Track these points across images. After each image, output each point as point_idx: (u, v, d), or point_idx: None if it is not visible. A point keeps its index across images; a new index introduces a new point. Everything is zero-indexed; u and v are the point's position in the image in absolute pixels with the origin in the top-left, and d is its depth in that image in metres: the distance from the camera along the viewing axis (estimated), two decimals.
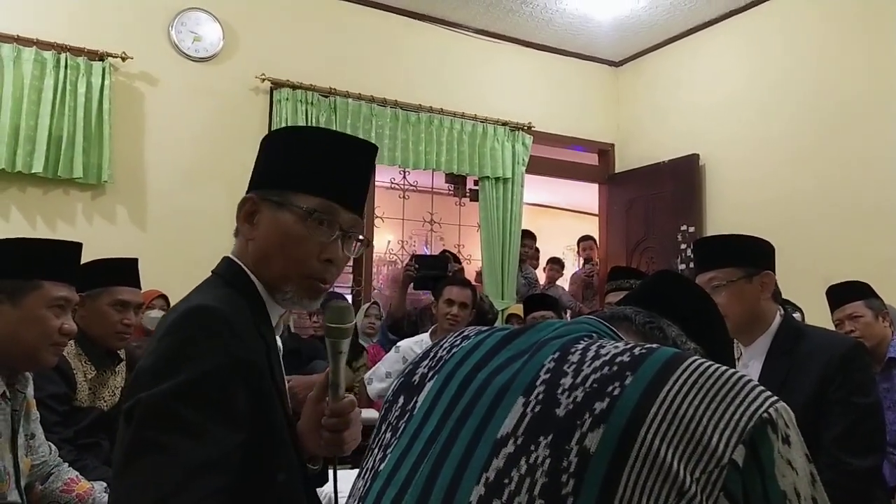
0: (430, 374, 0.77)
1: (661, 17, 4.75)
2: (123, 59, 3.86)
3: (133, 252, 2.48)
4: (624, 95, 5.47)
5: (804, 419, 1.71)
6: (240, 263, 1.11)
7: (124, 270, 2.26)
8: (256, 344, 1.02)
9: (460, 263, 4.17)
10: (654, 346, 0.70)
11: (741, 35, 4.56)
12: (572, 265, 6.99)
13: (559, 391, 0.65)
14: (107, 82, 3.78)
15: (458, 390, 0.72)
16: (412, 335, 3.55)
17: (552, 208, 8.93)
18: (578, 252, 6.10)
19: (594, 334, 0.76)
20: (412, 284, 3.94)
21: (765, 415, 0.62)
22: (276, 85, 4.25)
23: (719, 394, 0.63)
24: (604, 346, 0.69)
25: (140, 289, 2.33)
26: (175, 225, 3.87)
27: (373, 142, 4.54)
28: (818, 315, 3.06)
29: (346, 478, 0.88)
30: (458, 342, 0.80)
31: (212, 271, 1.15)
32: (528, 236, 5.40)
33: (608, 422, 0.61)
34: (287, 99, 4.23)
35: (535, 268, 5.53)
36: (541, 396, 0.66)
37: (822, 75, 4.01)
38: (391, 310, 3.94)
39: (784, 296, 3.53)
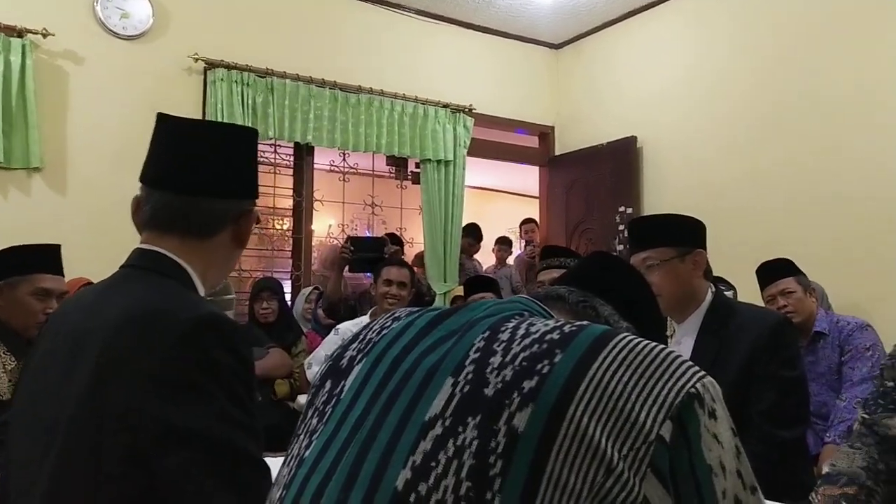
0: (358, 357, 0.75)
1: (601, 0, 4.79)
2: (45, 36, 3.66)
3: (60, 239, 2.37)
4: (564, 78, 5.51)
5: (735, 393, 1.78)
6: (182, 264, 1.11)
7: (46, 257, 2.16)
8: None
9: (400, 245, 4.13)
10: (585, 323, 0.69)
11: (680, 20, 4.63)
12: (516, 248, 7.04)
13: (488, 370, 0.64)
14: (28, 61, 3.58)
15: (386, 373, 0.70)
16: (351, 318, 3.52)
17: (495, 191, 8.98)
18: (521, 235, 6.15)
19: (526, 313, 0.75)
20: (348, 267, 3.89)
21: (692, 390, 0.62)
22: (211, 65, 4.11)
23: (648, 370, 0.63)
24: (534, 325, 0.69)
25: (63, 276, 2.23)
26: (103, 211, 3.72)
27: (311, 123, 4.43)
28: (749, 294, 3.16)
29: (273, 464, 0.89)
30: (388, 323, 0.78)
31: (139, 266, 1.11)
32: (472, 234, 5.45)
33: (537, 400, 0.61)
34: (222, 79, 4.10)
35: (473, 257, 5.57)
36: (470, 376, 0.65)
37: (759, 64, 4.09)
38: (327, 293, 3.88)
39: (717, 274, 3.66)
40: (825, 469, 1.52)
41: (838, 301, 3.42)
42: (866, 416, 1.53)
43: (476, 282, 3.53)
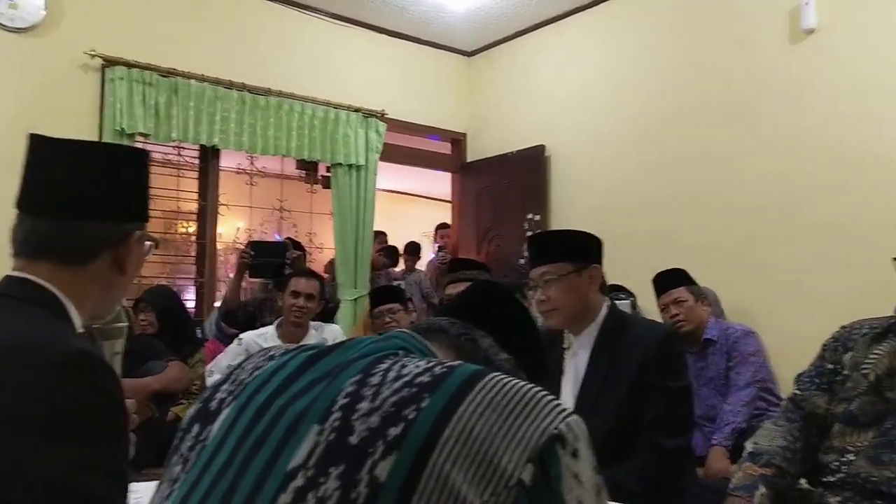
0: (227, 400, 0.73)
1: (512, 10, 4.88)
2: None
3: None
4: (476, 85, 5.58)
5: (628, 402, 1.85)
6: (54, 291, 1.04)
7: None
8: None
9: (302, 250, 4.06)
10: (457, 363, 0.70)
11: (589, 31, 4.77)
12: (430, 251, 7.08)
13: (355, 417, 0.64)
14: None
15: (252, 418, 0.69)
16: (248, 327, 3.45)
17: (409, 195, 8.99)
18: (435, 239, 6.20)
19: (402, 351, 0.75)
20: (248, 272, 3.80)
21: (554, 431, 0.64)
22: (109, 62, 3.93)
23: (514, 412, 0.65)
24: (406, 366, 0.69)
25: None
26: None
27: (217, 125, 4.27)
28: (650, 295, 3.30)
29: (147, 489, 0.89)
30: (261, 363, 0.77)
31: (5, 294, 1.04)
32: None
33: (400, 448, 0.61)
34: (122, 78, 3.93)
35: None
36: (336, 424, 0.64)
37: (661, 75, 4.27)
38: (225, 299, 3.78)
39: (619, 281, 3.80)
40: (749, 446, 1.63)
41: (731, 307, 3.62)
42: (797, 392, 1.67)
43: (382, 292, 3.53)
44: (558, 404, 0.67)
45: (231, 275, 5.56)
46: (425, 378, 0.67)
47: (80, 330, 1.08)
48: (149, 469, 2.70)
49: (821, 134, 3.49)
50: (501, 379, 0.68)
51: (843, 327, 1.70)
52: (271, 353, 0.79)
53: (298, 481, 0.61)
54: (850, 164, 3.35)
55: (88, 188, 1.07)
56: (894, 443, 1.46)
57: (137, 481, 1.91)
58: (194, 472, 0.68)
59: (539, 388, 0.68)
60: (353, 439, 0.63)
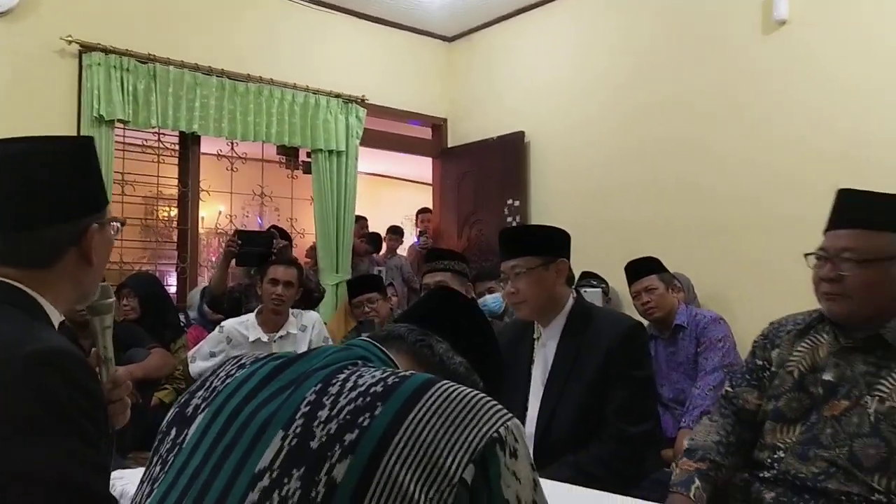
0: (202, 406, 0.79)
1: None
2: None
3: None
4: (457, 71, 5.60)
5: (594, 391, 1.94)
6: (27, 290, 1.07)
7: None
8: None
9: (289, 239, 4.11)
10: (409, 373, 0.77)
11: (569, 18, 4.79)
12: (411, 234, 7.13)
13: (315, 424, 0.71)
14: None
15: (224, 424, 0.75)
16: (234, 313, 3.50)
17: (391, 178, 9.01)
18: (417, 223, 6.25)
19: (361, 360, 0.82)
20: (234, 261, 3.84)
21: (494, 434, 0.71)
22: (86, 48, 3.92)
23: (458, 418, 0.71)
24: (363, 376, 0.75)
25: None
26: None
27: (197, 112, 4.25)
28: (623, 280, 3.38)
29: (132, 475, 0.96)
30: (233, 371, 0.83)
31: None
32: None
33: (355, 452, 0.68)
34: (99, 64, 3.92)
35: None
36: (298, 430, 0.71)
37: (639, 63, 4.32)
38: (211, 286, 3.82)
39: (596, 266, 3.89)
40: (686, 442, 1.72)
41: (704, 293, 3.72)
42: (730, 388, 1.74)
43: (360, 282, 3.58)
44: (499, 409, 0.74)
45: (214, 259, 5.60)
46: (378, 388, 0.73)
47: (59, 321, 1.11)
48: (134, 453, 2.77)
49: (790, 124, 3.58)
50: (448, 387, 0.74)
51: (771, 324, 1.75)
52: (242, 361, 0.85)
53: (265, 482, 0.68)
54: (816, 155, 3.44)
55: (35, 195, 1.07)
56: (818, 437, 1.53)
57: (123, 467, 1.98)
58: (172, 473, 0.74)
59: (482, 395, 0.75)
60: (314, 444, 0.69)
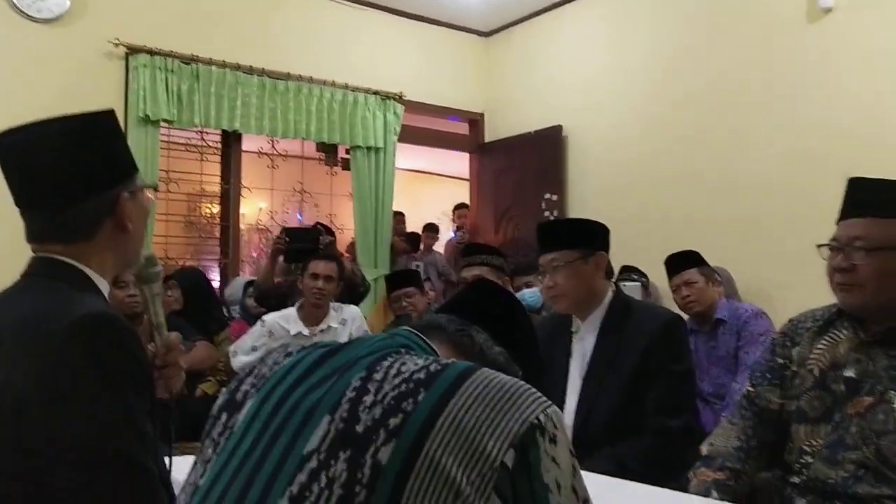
0: (251, 392, 0.83)
1: None
2: None
3: None
4: (493, 66, 5.60)
5: (632, 384, 1.93)
6: (75, 264, 1.13)
7: None
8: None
9: (333, 235, 4.17)
10: (450, 361, 0.79)
11: (606, 11, 4.75)
12: (447, 230, 7.16)
13: (361, 409, 0.74)
14: None
15: (273, 409, 0.79)
16: (280, 307, 3.57)
17: (428, 174, 9.04)
18: (453, 219, 6.28)
19: (404, 349, 0.84)
20: (282, 257, 3.92)
21: (534, 420, 0.73)
22: (133, 50, 4.03)
23: (498, 404, 0.73)
24: (405, 364, 0.78)
25: None
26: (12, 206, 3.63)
27: (239, 110, 4.35)
28: (665, 278, 3.35)
29: (181, 463, 1.00)
30: (280, 359, 0.86)
31: (34, 274, 1.13)
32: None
33: (399, 436, 0.70)
34: (145, 65, 4.03)
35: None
36: (345, 414, 0.74)
37: (678, 55, 4.26)
38: (258, 281, 3.91)
39: (634, 261, 3.86)
40: (704, 448, 1.67)
41: (744, 286, 3.67)
42: (751, 388, 1.68)
43: (398, 276, 3.62)
44: (539, 396, 0.76)
45: (255, 255, 5.71)
46: (421, 375, 0.76)
47: (107, 290, 1.17)
48: (180, 443, 2.85)
49: (834, 114, 3.49)
50: (489, 375, 0.76)
51: (790, 321, 1.71)
52: (289, 349, 0.88)
53: (313, 463, 0.71)
54: (861, 146, 3.36)
55: (67, 171, 1.12)
56: (845, 438, 1.48)
57: (170, 455, 2.05)
58: (224, 455, 0.78)
59: (522, 383, 0.77)
60: (359, 428, 0.72)
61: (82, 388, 0.96)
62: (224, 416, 0.83)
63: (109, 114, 1.21)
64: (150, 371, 1.08)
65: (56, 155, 1.12)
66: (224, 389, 0.88)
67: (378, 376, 0.77)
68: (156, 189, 1.31)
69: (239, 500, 0.73)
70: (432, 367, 0.77)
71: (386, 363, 0.79)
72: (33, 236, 1.15)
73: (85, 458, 0.95)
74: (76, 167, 1.13)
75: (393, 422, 0.71)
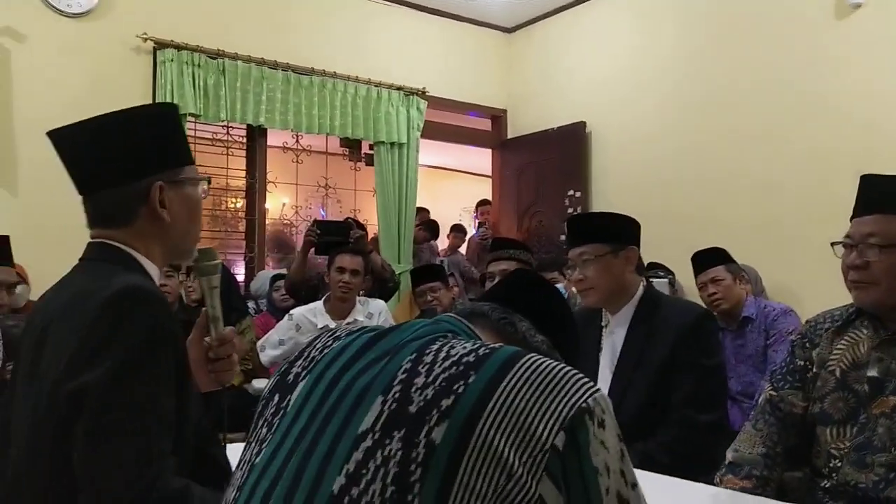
0: (302, 374, 0.84)
1: None
2: None
3: (6, 228, 2.38)
4: (516, 62, 5.59)
5: (661, 379, 1.92)
6: (125, 249, 1.19)
7: None
8: (176, 317, 1.15)
9: (364, 230, 4.20)
10: (498, 345, 0.79)
11: (630, 6, 4.73)
12: (469, 227, 7.17)
13: (413, 390, 0.74)
14: None
15: (325, 390, 0.80)
16: (311, 299, 3.59)
17: (450, 170, 9.05)
18: (476, 216, 6.28)
19: (450, 333, 0.85)
20: (313, 249, 3.94)
21: (583, 404, 0.73)
22: (160, 45, 4.07)
23: (548, 387, 0.74)
24: (454, 347, 0.78)
25: (13, 266, 2.25)
26: (46, 195, 3.67)
27: (264, 105, 4.40)
28: (689, 272, 3.32)
29: (232, 449, 1.02)
30: (329, 343, 0.87)
31: (88, 258, 1.20)
32: (430, 230, 5.65)
33: (452, 416, 0.71)
34: (172, 60, 4.07)
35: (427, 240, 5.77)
36: (397, 395, 0.74)
37: (703, 51, 4.24)
38: (290, 273, 3.94)
39: (659, 258, 3.84)
40: (730, 454, 1.65)
41: (772, 285, 3.63)
42: (773, 392, 1.66)
43: (423, 271, 3.63)
44: (587, 381, 0.76)
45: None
46: (470, 358, 0.76)
47: (157, 275, 1.22)
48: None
49: (862, 112, 3.45)
50: (537, 359, 0.77)
51: (807, 322, 1.69)
52: (337, 333, 0.89)
53: (368, 442, 0.72)
54: (888, 144, 3.31)
55: (98, 161, 1.19)
56: (872, 440, 1.46)
57: (224, 442, 2.07)
58: (279, 434, 0.80)
59: (570, 368, 0.77)
60: (412, 408, 0.73)
61: (107, 350, 1.02)
62: (276, 397, 0.84)
63: (155, 108, 1.30)
64: (178, 341, 1.11)
65: (96, 145, 1.20)
66: (276, 372, 0.90)
67: (428, 359, 0.77)
68: (208, 183, 1.32)
69: (296, 478, 0.74)
70: (481, 351, 0.77)
71: (435, 346, 0.79)
72: (88, 222, 1.22)
73: (96, 426, 0.99)
74: (108, 156, 1.19)
75: (445, 403, 0.72)
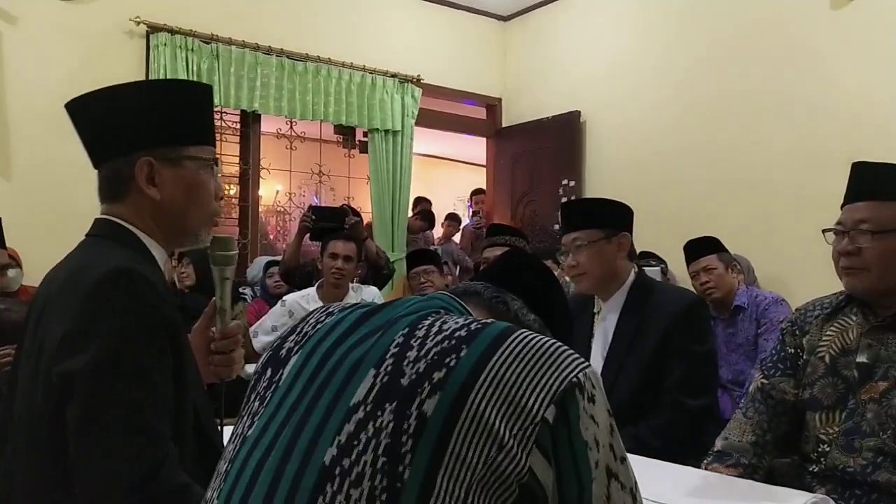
0: (295, 349, 0.84)
1: None
2: None
3: None
4: (512, 50, 5.58)
5: (652, 365, 1.94)
6: (126, 226, 1.18)
7: None
8: (171, 301, 1.12)
9: (359, 216, 4.19)
10: (490, 321, 0.80)
11: None
12: (463, 216, 7.17)
13: (405, 363, 0.75)
14: None
15: (318, 364, 0.80)
16: (306, 285, 3.59)
17: (444, 159, 9.04)
18: (471, 204, 6.29)
19: (442, 310, 0.85)
20: (308, 235, 3.94)
21: (574, 379, 0.74)
22: (153, 29, 4.04)
23: (539, 362, 0.74)
24: (446, 322, 0.79)
25: (5, 249, 2.24)
26: (39, 178, 3.65)
27: (258, 91, 4.36)
28: (681, 263, 3.34)
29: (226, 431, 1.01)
30: (322, 318, 0.87)
31: (91, 234, 1.19)
32: (426, 219, 5.62)
33: (444, 389, 0.71)
34: (165, 44, 4.04)
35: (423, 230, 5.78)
36: (389, 368, 0.75)
37: (697, 48, 4.23)
38: (284, 259, 3.94)
39: (652, 247, 3.85)
40: (719, 442, 1.66)
41: (764, 275, 3.65)
42: (764, 381, 1.66)
43: (418, 255, 3.63)
44: (577, 357, 0.77)
45: (272, 237, 5.72)
46: (462, 333, 0.77)
47: (162, 256, 1.20)
48: None
49: (853, 104, 3.46)
50: (529, 334, 0.77)
51: (797, 310, 1.70)
52: (330, 309, 0.90)
53: (360, 414, 0.73)
54: (881, 137, 3.32)
55: (101, 132, 1.19)
56: (861, 425, 1.48)
57: (221, 426, 2.08)
58: (271, 407, 0.80)
59: (561, 344, 0.78)
60: (404, 381, 0.73)
61: (93, 331, 1.00)
62: (269, 372, 0.84)
63: (147, 84, 1.27)
64: (171, 321, 1.08)
65: (88, 118, 1.20)
66: (267, 348, 0.90)
67: (420, 333, 0.78)
68: (216, 164, 1.28)
69: (288, 449, 0.74)
70: (473, 326, 0.78)
71: (427, 321, 0.80)
72: (99, 194, 1.22)
73: (87, 410, 0.98)
74: (99, 130, 1.19)
75: (437, 375, 0.72)
